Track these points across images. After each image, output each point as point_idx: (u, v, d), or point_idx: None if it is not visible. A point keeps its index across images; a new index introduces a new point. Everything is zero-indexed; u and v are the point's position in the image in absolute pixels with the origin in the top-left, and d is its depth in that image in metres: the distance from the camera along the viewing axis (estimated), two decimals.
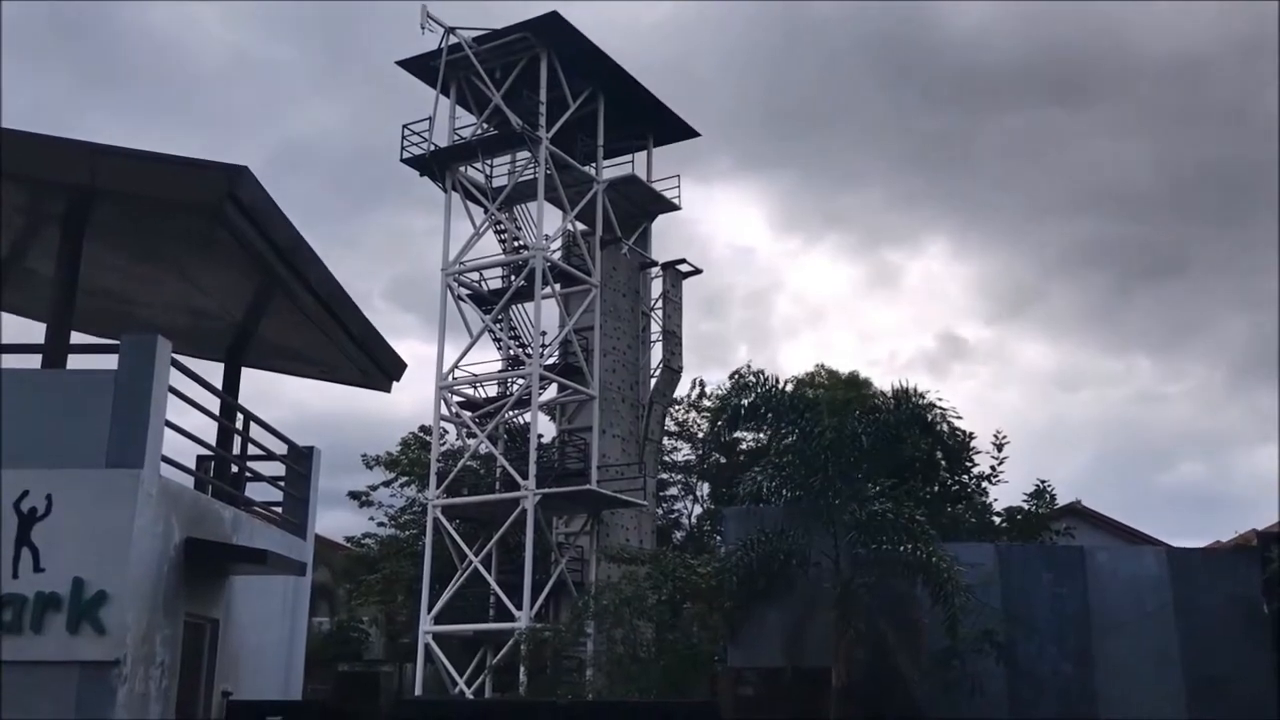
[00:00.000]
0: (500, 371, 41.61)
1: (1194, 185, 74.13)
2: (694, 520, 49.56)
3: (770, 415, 11.23)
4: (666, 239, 45.79)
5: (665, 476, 47.90)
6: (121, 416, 9.93)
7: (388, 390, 15.96)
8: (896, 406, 11.35)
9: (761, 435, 19.90)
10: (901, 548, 10.99)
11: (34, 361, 11.26)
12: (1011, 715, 13.25)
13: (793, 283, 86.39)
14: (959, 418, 11.42)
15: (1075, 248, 78.98)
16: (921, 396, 11.29)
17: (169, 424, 10.46)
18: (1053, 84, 77.07)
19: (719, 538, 45.37)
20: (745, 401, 11.40)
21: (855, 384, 11.94)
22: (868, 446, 11.38)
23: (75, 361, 11.67)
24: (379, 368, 14.97)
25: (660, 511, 47.48)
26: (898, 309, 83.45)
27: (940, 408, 11.37)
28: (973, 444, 12.94)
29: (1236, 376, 77.78)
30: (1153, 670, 13.62)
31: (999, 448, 16.36)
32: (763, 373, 11.53)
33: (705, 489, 49.18)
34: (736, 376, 11.59)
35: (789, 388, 11.53)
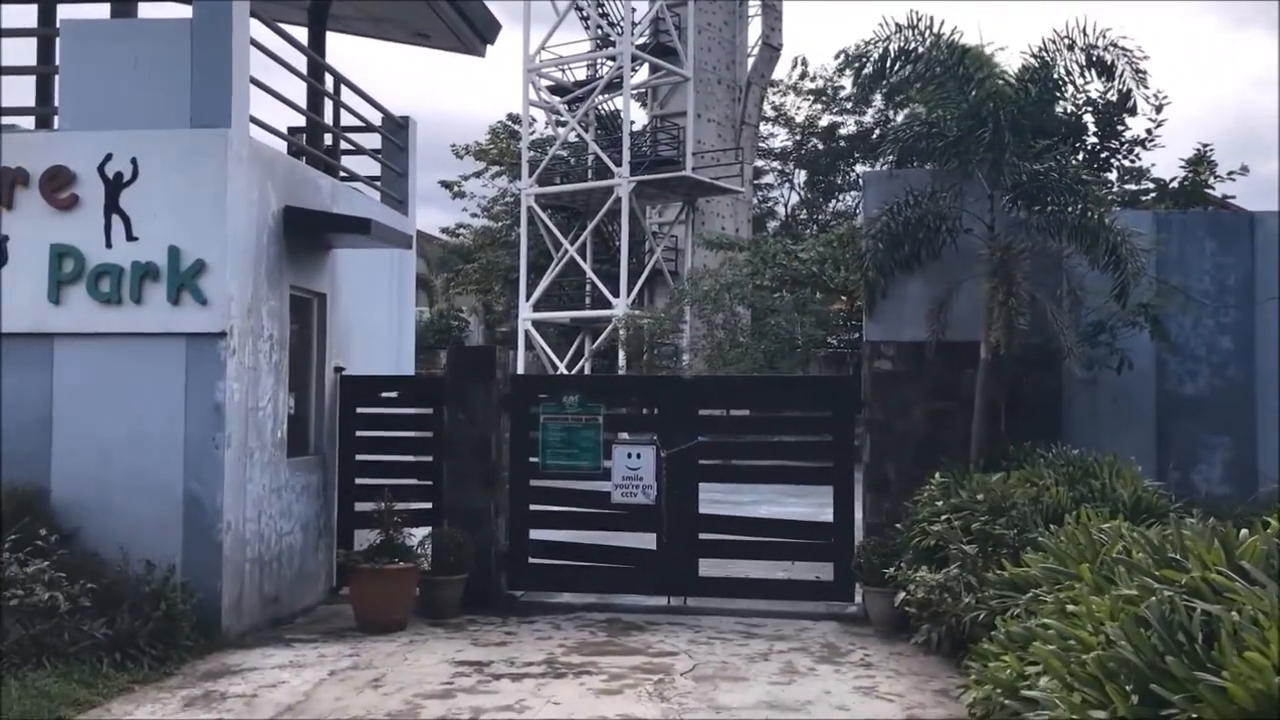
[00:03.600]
0: (589, 53, 39.59)
1: None
2: (790, 208, 48.33)
3: (924, 57, 9.79)
4: None
5: (761, 164, 46.31)
6: (203, 71, 8.97)
7: (482, 55, 14.69)
8: (1070, 46, 9.80)
9: (894, 102, 18.28)
10: (1070, 210, 9.78)
11: (101, 11, 10.23)
12: (1159, 389, 12.35)
13: None
14: (1146, 57, 9.87)
15: None
16: (1102, 34, 9.71)
17: (255, 82, 9.48)
18: None
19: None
20: (897, 46, 9.93)
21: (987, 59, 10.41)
22: (1035, 96, 9.97)
23: (146, 11, 10.62)
24: (472, 27, 13.66)
25: (756, 200, 46.25)
26: None
27: (1123, 48, 9.80)
28: (1132, 103, 11.37)
29: None
30: None
31: (1157, 109, 14.63)
32: (917, 12, 9.92)
33: (802, 176, 47.60)
34: (883, 23, 10.02)
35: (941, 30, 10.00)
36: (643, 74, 39.74)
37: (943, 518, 7.69)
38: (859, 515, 10.46)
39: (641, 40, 38.33)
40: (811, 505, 12.98)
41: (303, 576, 10.24)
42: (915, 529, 8.31)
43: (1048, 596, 5.30)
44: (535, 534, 10.90)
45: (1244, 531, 4.36)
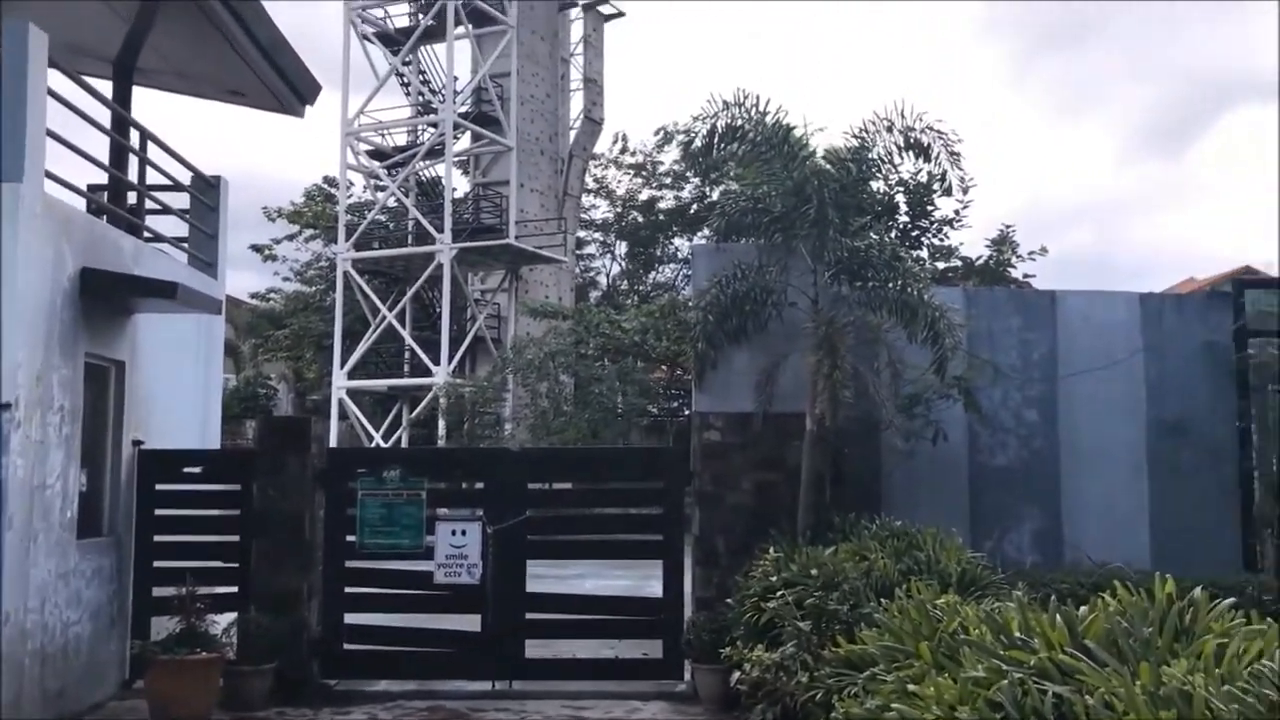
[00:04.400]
0: (410, 119, 39.20)
1: None
2: (612, 278, 48.75)
3: (753, 135, 9.93)
4: None
5: (583, 234, 46.64)
6: None
7: (300, 115, 14.21)
8: (889, 128, 10.13)
9: (721, 174, 18.61)
10: (890, 285, 10.04)
11: None
12: (971, 460, 12.75)
13: (712, 47, 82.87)
14: (960, 140, 10.28)
15: (983, 12, 76.73)
16: (919, 118, 10.08)
17: (53, 135, 8.84)
18: None
19: (644, 288, 44.69)
20: (724, 123, 10.04)
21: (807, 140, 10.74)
22: (855, 175, 10.24)
23: None
24: (290, 86, 13.20)
25: (579, 269, 46.48)
26: (818, 75, 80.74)
27: (939, 131, 10.18)
28: (940, 183, 11.86)
29: (1125, 147, 77.82)
30: (1117, 416, 13.21)
31: (964, 190, 15.33)
32: (744, 90, 10.07)
33: (623, 248, 48.17)
34: (710, 100, 10.14)
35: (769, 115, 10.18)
36: (465, 142, 39.59)
37: (777, 593, 7.61)
38: (689, 589, 10.33)
39: (464, 108, 38.21)
40: (639, 578, 12.80)
41: (92, 670, 9.38)
42: (748, 605, 8.21)
43: (887, 675, 5.22)
44: (351, 618, 10.32)
45: (1083, 609, 4.39)
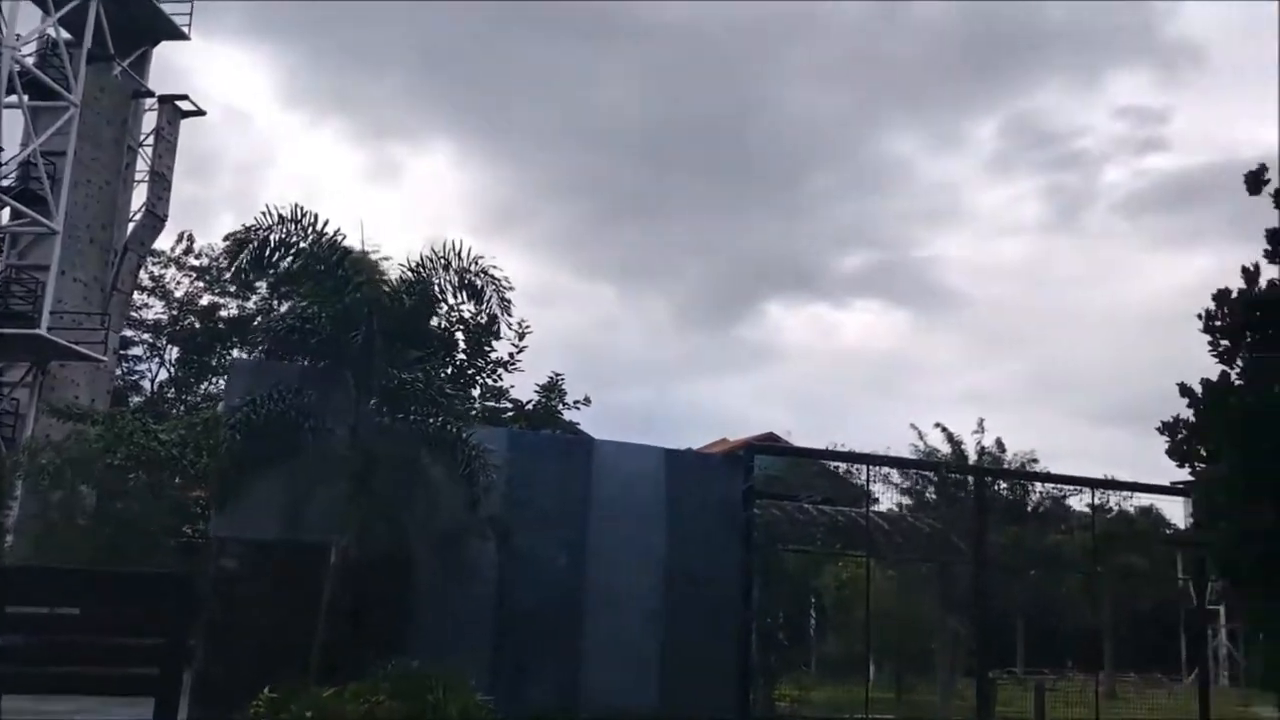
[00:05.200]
0: None
1: (674, 137, 79.41)
2: (159, 384, 45.42)
3: (305, 252, 9.73)
4: (165, 74, 40.67)
5: (130, 334, 43.26)
6: None
7: None
8: (446, 266, 10.30)
9: (265, 292, 18.02)
10: (431, 420, 10.07)
11: None
12: (501, 598, 12.98)
13: (290, 160, 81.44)
14: (510, 288, 10.65)
15: (565, 178, 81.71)
16: (475, 260, 10.34)
17: None
18: (584, 18, 78.69)
19: (193, 397, 41.88)
20: (278, 236, 9.78)
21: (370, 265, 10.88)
22: (409, 307, 10.29)
23: None
24: None
25: (121, 371, 42.91)
26: (393, 203, 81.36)
27: (493, 275, 10.50)
28: (496, 326, 12.28)
29: (682, 314, 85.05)
30: (641, 562, 14.01)
31: (520, 336, 15.98)
32: (301, 207, 9.89)
33: (175, 353, 45.17)
34: (266, 212, 9.90)
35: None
36: (3, 217, 35.77)
37: None
38: None
39: (7, 182, 34.64)
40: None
41: None
42: None
43: None
44: None
45: None
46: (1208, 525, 13.66)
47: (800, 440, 30.02)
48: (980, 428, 25.98)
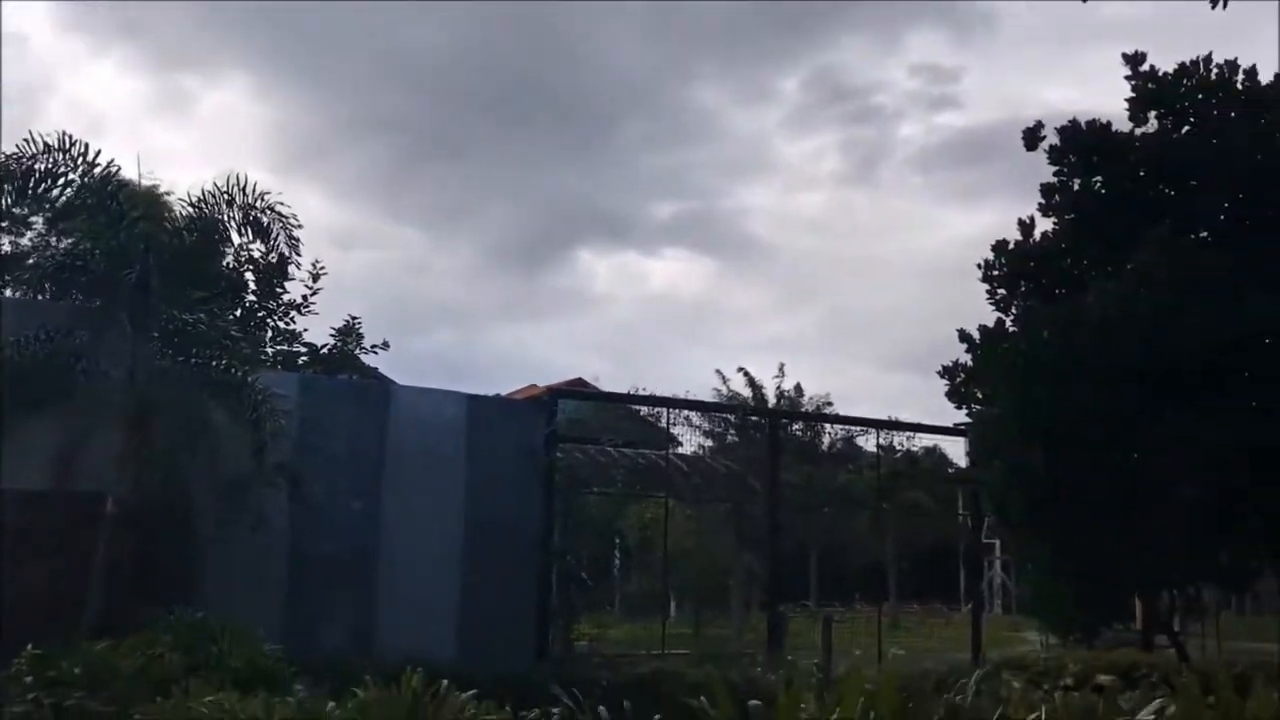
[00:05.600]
0: None
1: (485, 81, 77.93)
2: None
3: (75, 184, 9.12)
4: None
5: None
6: None
7: None
8: (230, 202, 9.84)
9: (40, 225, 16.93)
10: (215, 364, 9.66)
11: None
12: (293, 547, 12.65)
13: (70, 87, 75.93)
14: (299, 226, 10.25)
15: (371, 116, 79.16)
16: (261, 196, 9.90)
17: None
18: None
19: None
20: (44, 166, 9.12)
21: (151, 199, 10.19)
22: (191, 245, 9.80)
23: None
24: None
25: None
26: (185, 137, 76.98)
27: (280, 213, 10.09)
28: (287, 267, 11.85)
29: (491, 259, 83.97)
30: (439, 508, 13.88)
31: (315, 277, 15.48)
32: (70, 136, 9.24)
33: None
34: (29, 140, 9.21)
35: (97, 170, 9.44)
36: None
37: (29, 696, 6.78)
38: None
39: None
40: None
41: None
42: (3, 712, 7.22)
43: None
44: None
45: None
46: (983, 465, 14.47)
47: (608, 385, 30.32)
48: (781, 372, 26.96)
